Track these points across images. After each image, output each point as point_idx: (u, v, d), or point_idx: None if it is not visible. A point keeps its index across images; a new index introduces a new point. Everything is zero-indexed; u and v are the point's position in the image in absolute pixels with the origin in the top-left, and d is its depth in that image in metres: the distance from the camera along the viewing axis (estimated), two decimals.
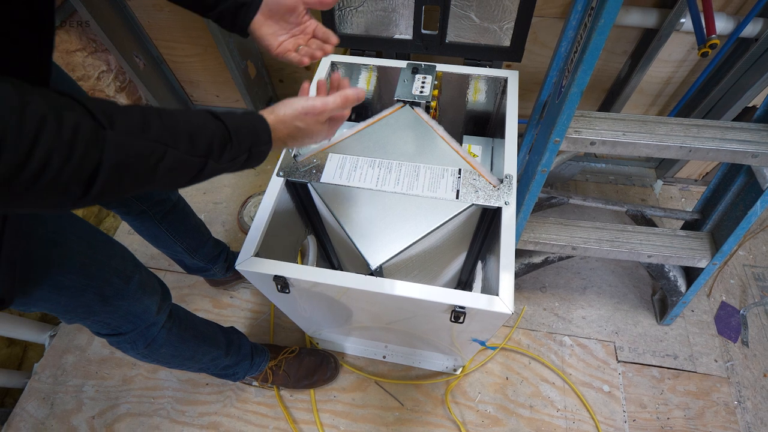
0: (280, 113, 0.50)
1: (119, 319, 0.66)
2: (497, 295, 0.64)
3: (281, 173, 0.78)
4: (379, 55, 0.98)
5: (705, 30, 0.88)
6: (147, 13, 1.32)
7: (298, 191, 0.85)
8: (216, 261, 1.16)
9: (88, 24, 1.22)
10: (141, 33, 1.38)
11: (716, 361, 1.16)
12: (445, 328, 0.81)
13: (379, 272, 0.71)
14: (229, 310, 1.29)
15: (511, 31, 0.87)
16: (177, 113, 0.41)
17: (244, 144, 0.46)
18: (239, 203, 1.49)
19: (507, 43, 0.90)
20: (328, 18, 0.92)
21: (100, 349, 1.24)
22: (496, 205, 0.73)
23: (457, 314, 0.66)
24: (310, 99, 0.51)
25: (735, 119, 1.15)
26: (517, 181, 1.06)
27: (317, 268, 0.68)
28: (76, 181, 0.33)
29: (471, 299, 0.64)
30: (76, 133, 0.32)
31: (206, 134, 0.42)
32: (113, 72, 1.42)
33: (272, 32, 0.60)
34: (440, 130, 0.83)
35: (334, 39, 0.64)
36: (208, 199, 1.53)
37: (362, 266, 0.71)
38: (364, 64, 0.94)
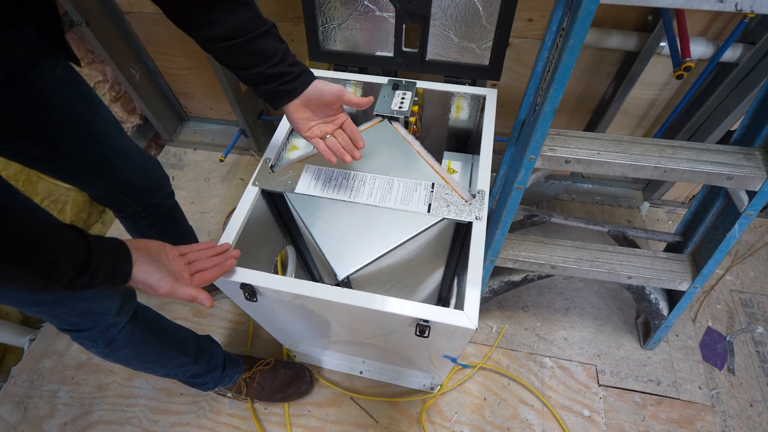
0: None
1: (77, 317, 0.66)
2: (462, 309, 0.64)
3: (257, 183, 0.79)
4: (362, 71, 1.00)
5: (680, 53, 0.89)
6: (144, 27, 1.36)
7: (276, 201, 0.85)
8: None
9: (89, 24, 1.24)
10: (138, 45, 1.42)
11: (701, 388, 1.13)
12: (416, 343, 0.80)
13: (346, 283, 0.71)
14: (209, 319, 1.28)
15: (490, 51, 0.89)
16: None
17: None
18: (226, 213, 1.50)
19: (486, 62, 0.91)
20: (311, 34, 0.94)
21: (77, 354, 1.23)
22: (467, 219, 0.73)
23: (422, 328, 0.65)
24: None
25: (718, 142, 1.16)
26: (497, 199, 1.06)
27: (280, 276, 0.68)
28: None
29: (435, 313, 0.63)
30: None
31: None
32: (109, 82, 1.45)
33: (305, 117, 0.66)
34: (416, 144, 0.84)
35: (357, 151, 0.70)
36: (196, 208, 1.54)
37: (334, 277, 0.71)
38: (347, 80, 0.96)
